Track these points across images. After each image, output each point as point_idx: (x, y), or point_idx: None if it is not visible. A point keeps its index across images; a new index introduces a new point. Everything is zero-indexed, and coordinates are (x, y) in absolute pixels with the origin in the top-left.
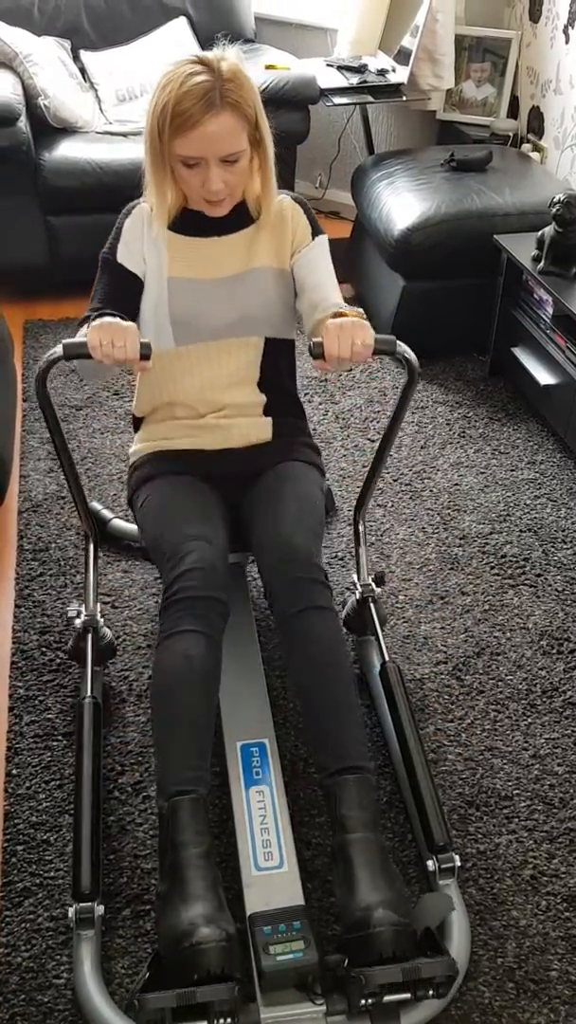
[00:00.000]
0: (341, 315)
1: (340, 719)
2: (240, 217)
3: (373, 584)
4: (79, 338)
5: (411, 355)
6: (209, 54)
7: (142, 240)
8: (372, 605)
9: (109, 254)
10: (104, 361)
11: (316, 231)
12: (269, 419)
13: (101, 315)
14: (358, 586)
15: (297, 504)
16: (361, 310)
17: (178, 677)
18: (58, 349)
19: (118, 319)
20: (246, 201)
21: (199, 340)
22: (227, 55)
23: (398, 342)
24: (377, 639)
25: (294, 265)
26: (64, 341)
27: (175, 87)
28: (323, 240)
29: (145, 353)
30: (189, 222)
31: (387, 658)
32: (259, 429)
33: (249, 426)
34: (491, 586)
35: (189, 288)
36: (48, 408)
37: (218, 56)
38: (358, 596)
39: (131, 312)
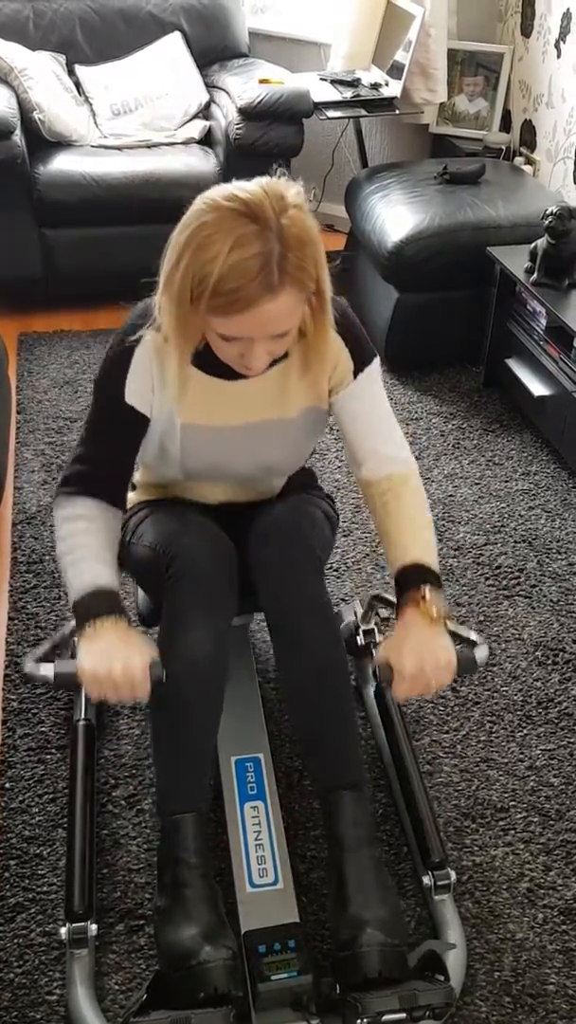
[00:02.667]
0: (424, 613)
1: (335, 729)
2: None
3: (375, 629)
4: (70, 664)
5: (484, 655)
6: (263, 196)
7: (151, 374)
8: (372, 647)
9: (114, 390)
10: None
11: (360, 365)
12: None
13: (93, 615)
14: (361, 629)
15: (294, 508)
16: (441, 593)
17: (182, 687)
18: (48, 673)
19: (121, 633)
20: None
21: (213, 480)
22: (289, 199)
23: (477, 652)
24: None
25: (334, 404)
26: (57, 670)
27: (217, 255)
28: (369, 374)
29: (156, 680)
30: (211, 360)
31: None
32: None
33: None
34: (486, 597)
35: (206, 437)
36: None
37: (275, 202)
38: (360, 639)
39: (131, 456)
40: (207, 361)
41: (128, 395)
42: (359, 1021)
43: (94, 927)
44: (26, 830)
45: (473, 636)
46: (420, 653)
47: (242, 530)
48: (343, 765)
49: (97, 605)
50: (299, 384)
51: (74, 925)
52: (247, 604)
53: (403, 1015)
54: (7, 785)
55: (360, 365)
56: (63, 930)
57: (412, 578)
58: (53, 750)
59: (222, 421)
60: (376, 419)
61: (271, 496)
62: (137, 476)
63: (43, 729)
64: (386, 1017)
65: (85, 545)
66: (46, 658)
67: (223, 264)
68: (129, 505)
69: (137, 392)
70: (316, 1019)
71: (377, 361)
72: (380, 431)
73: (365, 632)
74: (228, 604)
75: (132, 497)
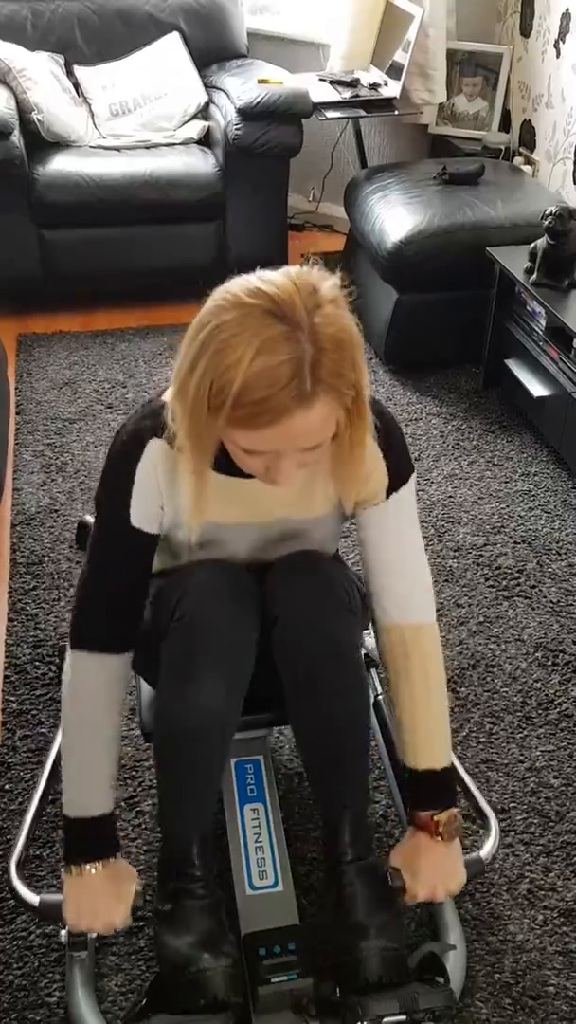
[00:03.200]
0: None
1: (347, 771)
2: None
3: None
4: (56, 898)
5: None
6: (293, 291)
7: (158, 489)
8: (375, 670)
9: (117, 512)
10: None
11: (395, 485)
12: None
13: (82, 851)
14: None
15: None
16: (455, 802)
17: (193, 739)
18: (34, 900)
19: (111, 873)
20: None
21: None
22: (323, 294)
23: (483, 854)
24: (372, 679)
25: (359, 518)
26: (43, 900)
27: (240, 361)
28: (403, 496)
29: (138, 907)
30: (228, 457)
31: (380, 692)
32: None
33: None
34: (486, 598)
35: (223, 533)
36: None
37: (306, 298)
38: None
39: (144, 581)
40: (221, 460)
41: (134, 518)
42: (359, 1023)
43: None
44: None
45: (486, 809)
46: (432, 879)
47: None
48: (349, 794)
49: (85, 843)
50: (327, 487)
51: None
52: (269, 716)
53: (403, 1017)
54: (7, 787)
55: (395, 484)
56: (63, 932)
57: (425, 793)
58: (53, 737)
59: (242, 519)
60: (400, 553)
61: None
62: None
63: (43, 731)
64: (387, 1020)
65: (92, 739)
66: (24, 863)
67: (247, 371)
68: None
69: (144, 512)
70: (316, 1021)
71: (413, 479)
72: (402, 568)
73: (365, 655)
74: (245, 645)
75: None
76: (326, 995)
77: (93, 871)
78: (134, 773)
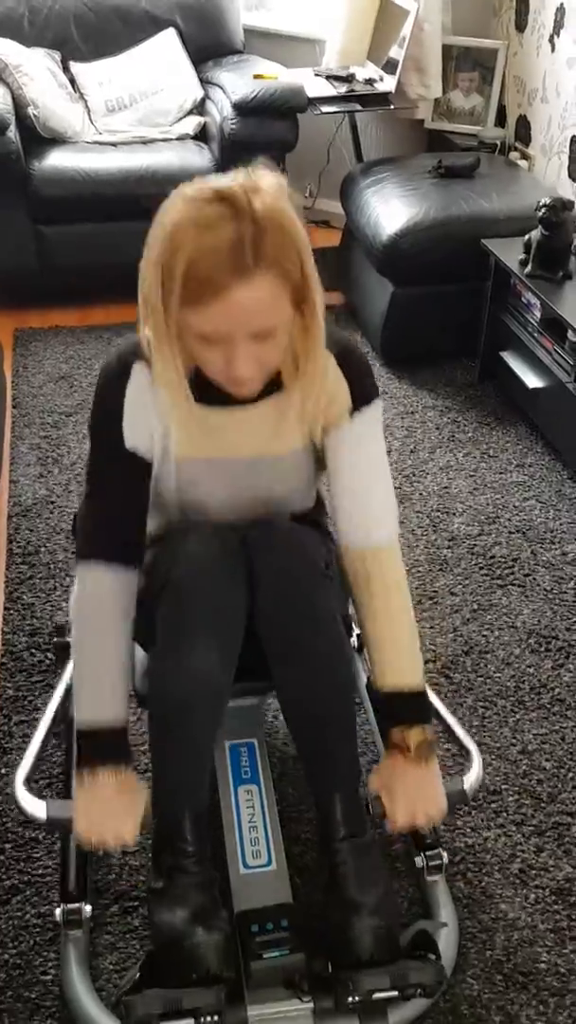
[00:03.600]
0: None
1: (335, 744)
2: (268, 380)
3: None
4: (66, 807)
5: (474, 783)
6: (235, 184)
7: (147, 410)
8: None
9: (109, 436)
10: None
11: (358, 405)
12: None
13: (97, 757)
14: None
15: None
16: (429, 724)
17: (186, 705)
18: (40, 812)
19: (120, 783)
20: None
21: (210, 517)
22: (262, 184)
23: (466, 781)
24: (364, 660)
25: (325, 444)
26: (50, 814)
27: (188, 240)
28: (367, 417)
29: (148, 823)
30: (203, 388)
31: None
32: None
33: None
34: (480, 586)
35: (201, 470)
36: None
37: (248, 187)
38: (355, 641)
39: (145, 503)
40: (198, 390)
41: (128, 440)
42: (350, 999)
43: (88, 908)
44: (22, 814)
45: (468, 743)
46: (411, 802)
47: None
48: (340, 773)
49: (100, 751)
50: (299, 419)
51: (68, 906)
52: (260, 684)
53: (394, 993)
54: (3, 771)
55: (358, 403)
56: (58, 911)
57: (396, 712)
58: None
59: (217, 454)
60: (364, 475)
61: None
62: None
63: (38, 716)
64: (377, 995)
65: (103, 650)
66: (32, 779)
67: (191, 248)
68: None
69: (137, 434)
70: (308, 997)
71: (379, 403)
72: (365, 491)
73: (359, 635)
74: (236, 611)
75: None
76: (318, 971)
77: (105, 777)
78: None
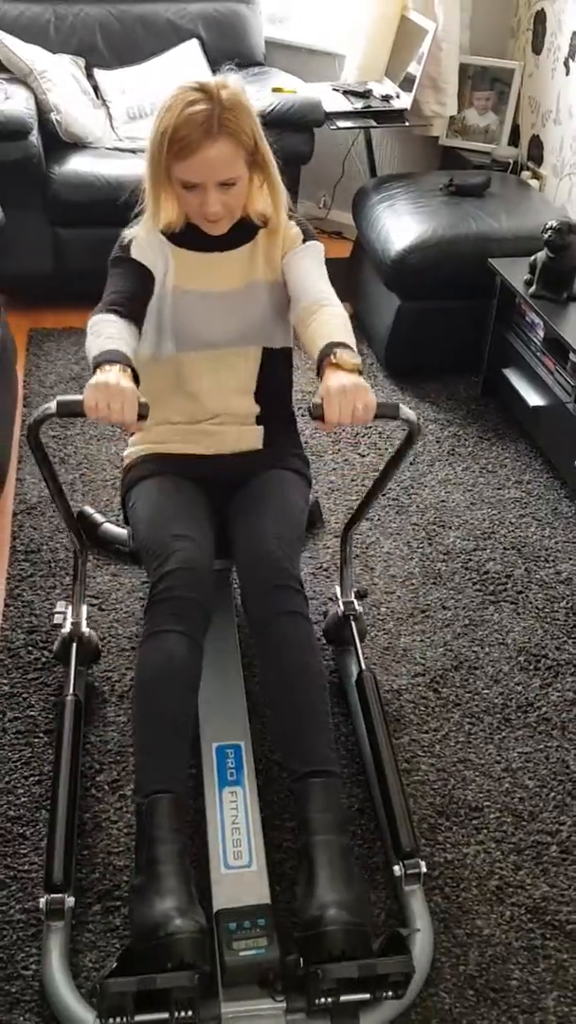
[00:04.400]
0: (338, 366)
1: (308, 723)
2: (243, 233)
3: (355, 601)
4: (75, 397)
5: (413, 418)
6: (211, 80)
7: (151, 245)
8: (353, 622)
9: (122, 253)
10: (98, 422)
11: (307, 237)
12: (261, 428)
13: (105, 361)
14: (340, 602)
15: (277, 512)
16: (355, 354)
17: (160, 677)
18: (52, 405)
19: (118, 375)
20: (249, 216)
21: (200, 349)
22: (229, 82)
23: (401, 406)
24: (356, 651)
25: (285, 266)
26: (59, 398)
27: (175, 113)
28: (314, 245)
29: (143, 414)
30: (193, 237)
31: (364, 668)
32: (251, 437)
33: (241, 434)
34: (472, 601)
35: (193, 300)
36: (43, 460)
37: (219, 83)
38: (340, 611)
39: (145, 299)
40: (189, 239)
41: (134, 253)
42: (320, 997)
43: (71, 900)
44: (11, 810)
45: (400, 407)
46: (346, 398)
47: (231, 500)
48: (314, 755)
49: (107, 357)
50: (264, 260)
51: (52, 896)
52: (229, 551)
53: (365, 996)
54: None
55: (308, 237)
56: (42, 901)
57: (326, 351)
58: (41, 734)
59: (206, 287)
60: (317, 277)
61: (253, 406)
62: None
63: (32, 713)
64: (345, 996)
65: (108, 330)
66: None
67: (177, 118)
68: (127, 457)
69: (141, 253)
70: (281, 996)
71: (322, 247)
72: (320, 285)
73: (345, 604)
74: (203, 623)
75: (130, 448)
76: (291, 968)
77: (110, 369)
78: (119, 758)
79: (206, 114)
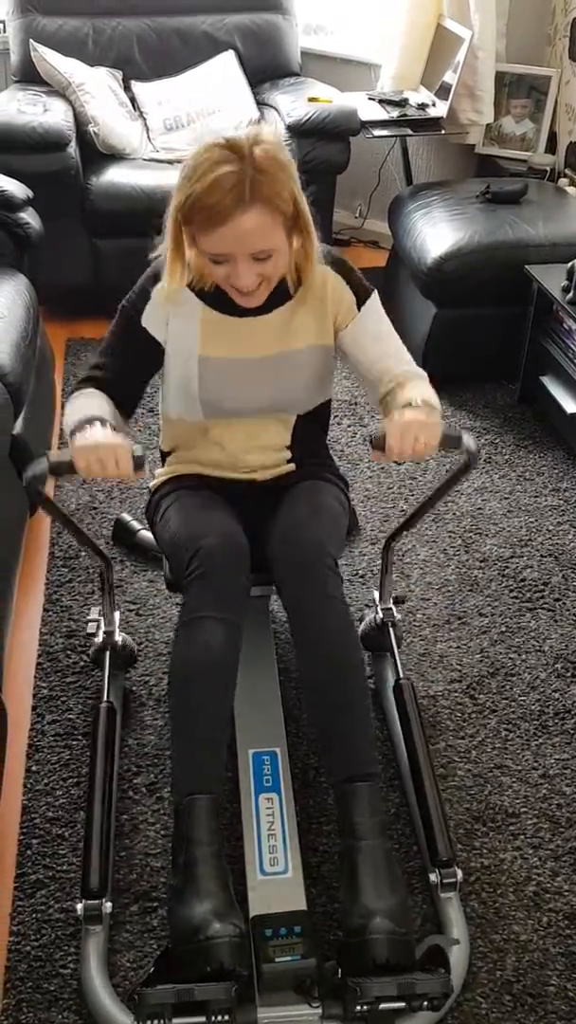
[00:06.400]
0: (409, 404)
1: (348, 723)
2: (276, 295)
3: (394, 608)
4: (64, 453)
5: (474, 449)
6: (242, 135)
7: (172, 308)
8: (391, 628)
9: (132, 311)
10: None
11: (362, 299)
12: (294, 464)
13: (89, 421)
14: (379, 608)
15: (312, 506)
16: (431, 399)
17: (197, 670)
18: (42, 463)
19: (106, 431)
20: (285, 277)
21: (229, 416)
22: (263, 135)
23: (464, 437)
24: (393, 657)
25: (341, 342)
26: (49, 456)
27: (201, 177)
28: (372, 305)
29: (140, 464)
30: (222, 299)
31: (401, 675)
32: (283, 470)
33: (274, 472)
34: (509, 608)
35: (220, 367)
36: (51, 509)
37: (252, 138)
38: (379, 618)
39: (142, 378)
40: (218, 301)
41: (144, 319)
42: (358, 1007)
43: (109, 905)
44: (49, 811)
45: (460, 435)
46: (407, 425)
47: (265, 514)
48: (358, 758)
49: (86, 419)
50: (306, 325)
51: (89, 902)
52: (267, 577)
53: (401, 1004)
54: (33, 768)
55: (362, 298)
56: (79, 906)
57: (405, 393)
58: (79, 736)
59: (235, 354)
60: (385, 343)
61: (285, 453)
62: (164, 445)
63: (71, 716)
64: (384, 1005)
65: (86, 404)
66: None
67: (203, 182)
68: (158, 482)
69: (153, 319)
70: (318, 1003)
71: (376, 295)
72: (390, 352)
73: (384, 611)
74: (240, 603)
75: (160, 472)
76: (329, 977)
77: (94, 425)
78: (156, 761)
79: (236, 178)
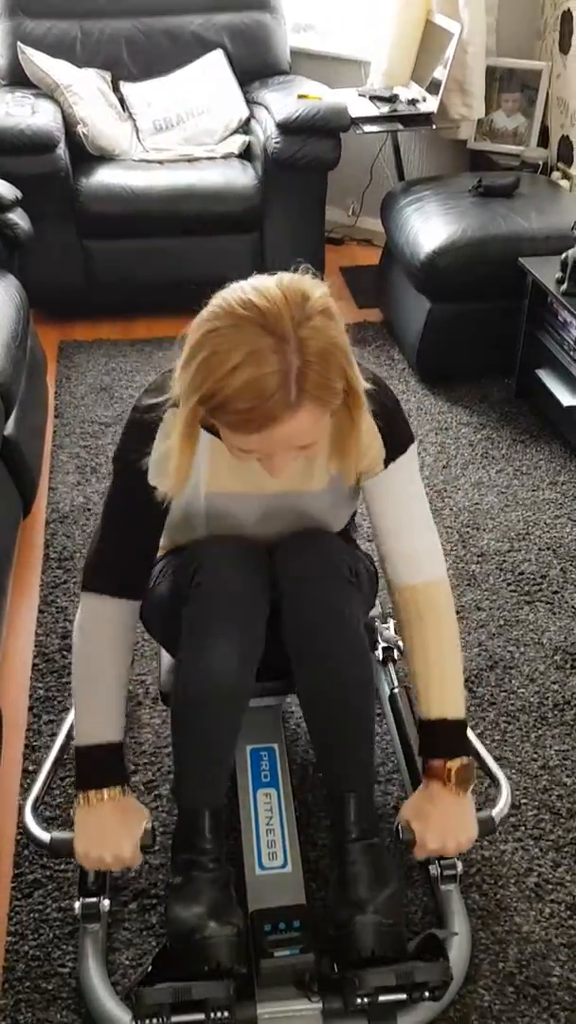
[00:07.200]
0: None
1: (353, 744)
2: None
3: (395, 648)
4: (67, 834)
5: (501, 815)
6: (282, 303)
7: (173, 456)
8: (392, 664)
9: (134, 470)
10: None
11: (393, 454)
12: None
13: (92, 773)
14: (380, 643)
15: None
16: (469, 761)
17: (206, 701)
18: (44, 837)
19: (111, 811)
20: None
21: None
22: (310, 308)
23: (493, 815)
24: (387, 673)
25: (364, 489)
26: (53, 836)
27: (231, 372)
28: (402, 463)
29: (147, 844)
30: None
31: (396, 685)
32: None
33: None
34: (507, 602)
35: (231, 502)
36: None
37: (295, 310)
38: (379, 654)
39: (154, 539)
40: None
41: (152, 476)
42: (358, 999)
43: (107, 902)
44: (47, 811)
45: (497, 773)
46: (443, 829)
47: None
48: (355, 772)
49: (96, 770)
50: (325, 462)
51: (87, 900)
52: (281, 683)
53: (402, 996)
54: (31, 768)
55: (392, 455)
56: (77, 904)
57: (439, 742)
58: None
59: (245, 490)
60: (405, 517)
61: None
62: (162, 541)
63: (66, 717)
64: (383, 997)
65: (100, 675)
66: (39, 803)
67: (236, 381)
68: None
69: (160, 474)
70: (317, 997)
71: (413, 448)
72: (408, 531)
73: (384, 649)
74: (258, 615)
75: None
76: (324, 971)
77: (102, 799)
78: (154, 759)
79: (280, 378)
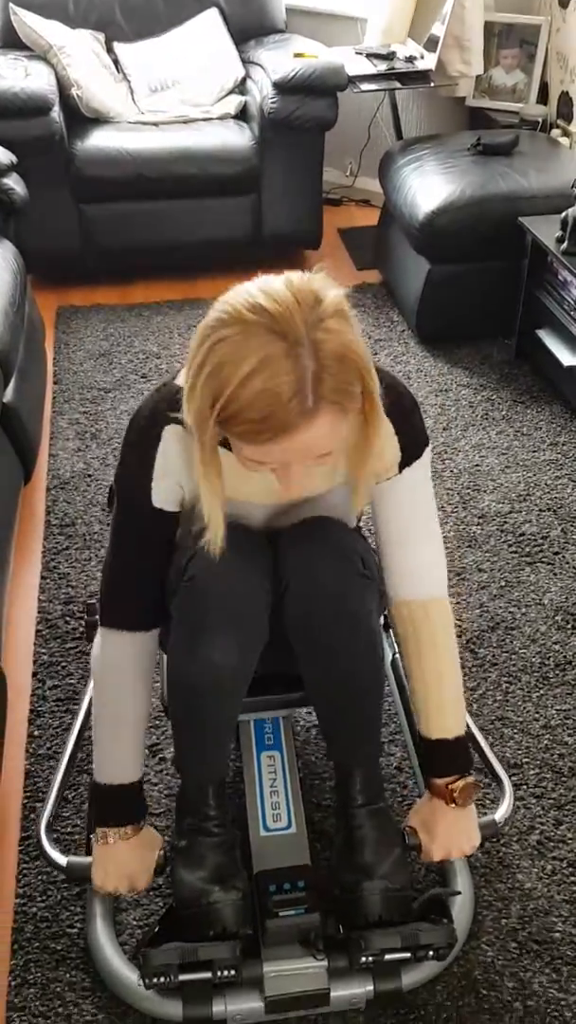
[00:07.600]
0: (445, 775)
1: (359, 728)
2: None
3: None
4: (84, 860)
5: (505, 819)
6: (294, 306)
7: (177, 473)
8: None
9: (139, 494)
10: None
11: (408, 459)
12: None
13: (109, 809)
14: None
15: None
16: (473, 777)
17: (205, 694)
18: (62, 861)
19: (128, 846)
20: None
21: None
22: (323, 310)
23: (496, 820)
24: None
25: (374, 491)
26: (70, 860)
27: (241, 380)
28: (416, 467)
29: (160, 869)
30: None
31: (397, 652)
32: None
33: None
34: (508, 563)
35: (239, 508)
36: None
37: (307, 313)
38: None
39: (165, 557)
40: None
41: (155, 499)
42: (363, 958)
43: None
44: (53, 774)
45: (501, 774)
46: (447, 839)
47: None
48: (362, 751)
49: (115, 810)
50: (337, 464)
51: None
52: (293, 697)
53: (406, 954)
54: (36, 733)
55: (408, 459)
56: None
57: (440, 761)
58: (80, 701)
59: (256, 499)
60: (411, 527)
61: None
62: None
63: (71, 681)
64: (389, 956)
65: (122, 713)
66: (52, 827)
67: (248, 390)
68: None
69: (165, 493)
70: (322, 955)
71: (428, 453)
72: (414, 541)
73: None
74: (258, 609)
75: None
76: (331, 932)
77: (120, 838)
78: (158, 722)
79: (295, 385)
